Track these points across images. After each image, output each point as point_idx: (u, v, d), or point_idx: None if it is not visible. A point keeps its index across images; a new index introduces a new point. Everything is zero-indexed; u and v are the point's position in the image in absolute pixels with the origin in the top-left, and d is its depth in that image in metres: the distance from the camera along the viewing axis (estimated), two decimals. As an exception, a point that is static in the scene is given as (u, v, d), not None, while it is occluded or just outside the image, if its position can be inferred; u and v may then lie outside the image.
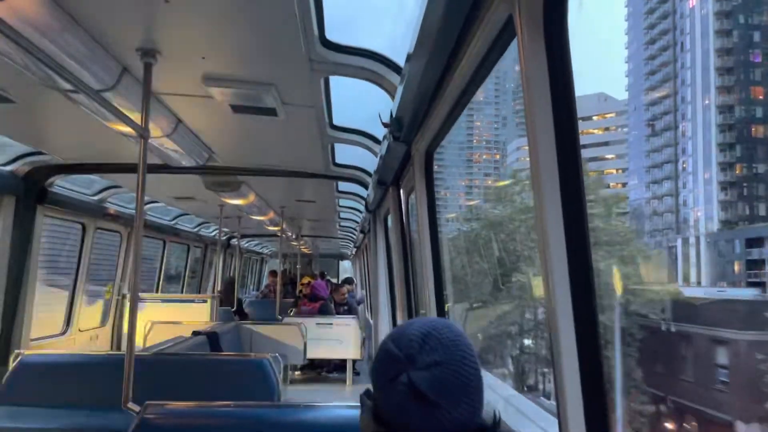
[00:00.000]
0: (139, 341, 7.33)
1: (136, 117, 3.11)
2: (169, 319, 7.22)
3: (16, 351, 4.15)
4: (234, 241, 12.66)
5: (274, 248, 17.55)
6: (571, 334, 1.23)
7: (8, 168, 5.17)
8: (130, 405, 2.74)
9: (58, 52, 2.52)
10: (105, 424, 3.38)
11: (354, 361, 8.92)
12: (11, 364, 4.15)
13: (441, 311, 3.06)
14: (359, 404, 1.19)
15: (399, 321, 5.71)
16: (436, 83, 2.09)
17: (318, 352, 8.39)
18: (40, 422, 3.48)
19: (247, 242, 14.72)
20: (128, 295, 7.78)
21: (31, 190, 5.38)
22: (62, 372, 3.93)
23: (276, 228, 9.87)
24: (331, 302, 9.86)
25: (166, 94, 3.39)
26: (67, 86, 2.84)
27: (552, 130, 1.20)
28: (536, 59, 1.18)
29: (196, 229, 10.85)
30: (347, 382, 8.71)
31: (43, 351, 5.20)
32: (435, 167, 3.12)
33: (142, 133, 2.88)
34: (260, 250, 18.36)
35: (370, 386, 1.30)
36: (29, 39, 2.25)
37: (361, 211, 8.21)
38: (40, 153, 5.19)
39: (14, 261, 5.36)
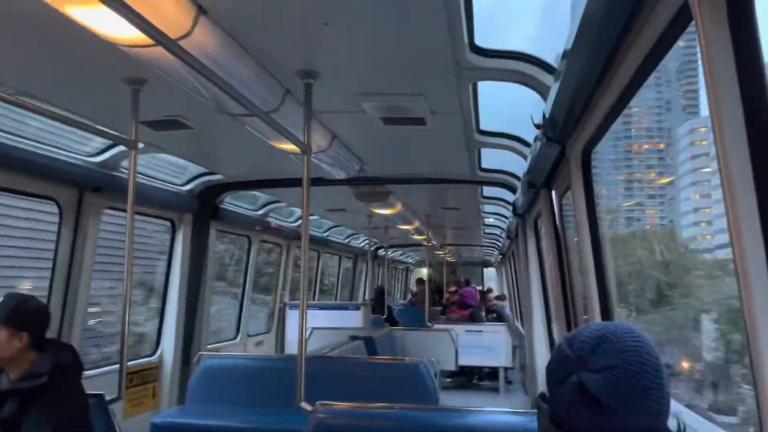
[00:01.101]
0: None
1: (296, 135, 3.34)
2: (326, 325, 7.61)
3: (199, 353, 4.59)
4: (381, 252, 13.03)
5: (418, 257, 17.81)
6: None
7: (186, 188, 5.77)
8: (303, 404, 2.92)
9: (229, 79, 2.78)
10: (281, 422, 3.63)
11: (505, 369, 8.80)
12: (194, 366, 4.61)
13: (606, 318, 2.93)
14: (522, 410, 1.17)
15: (555, 329, 5.53)
16: (596, 79, 2.02)
17: (468, 359, 8.38)
18: (224, 419, 3.82)
19: (393, 252, 15.09)
20: (289, 303, 8.32)
21: (206, 208, 5.96)
22: (239, 372, 4.29)
23: (421, 237, 10.03)
24: (481, 310, 9.80)
25: (322, 112, 3.60)
26: (239, 110, 3.12)
27: (743, 124, 1.11)
28: (720, 47, 1.10)
29: (346, 241, 11.34)
30: (499, 391, 8.60)
31: (222, 354, 5.72)
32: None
33: (305, 149, 3.08)
34: (405, 260, 18.72)
35: (545, 390, 1.28)
36: (207, 68, 2.51)
37: (506, 216, 8.09)
38: (211, 173, 5.75)
39: (193, 273, 5.96)
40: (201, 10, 2.28)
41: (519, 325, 9.57)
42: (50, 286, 4.24)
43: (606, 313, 3.01)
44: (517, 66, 2.80)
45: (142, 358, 5.60)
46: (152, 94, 3.24)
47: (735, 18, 1.11)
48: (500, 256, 14.45)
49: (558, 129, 2.62)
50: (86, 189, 4.35)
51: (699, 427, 2.14)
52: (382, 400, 3.79)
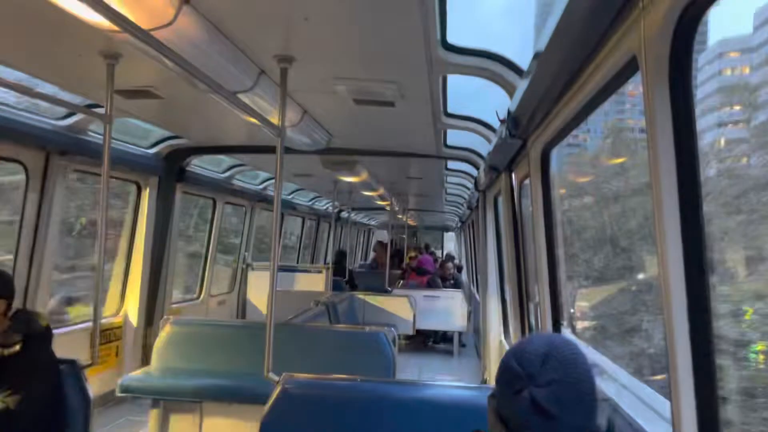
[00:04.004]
0: (263, 308, 8.01)
1: (270, 109, 3.42)
2: (288, 288, 7.78)
3: (165, 317, 4.70)
4: (344, 214, 13.16)
5: (381, 220, 18.02)
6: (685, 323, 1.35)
7: (153, 151, 5.76)
8: (271, 375, 3.08)
9: (206, 61, 2.83)
10: (247, 388, 3.81)
11: (460, 333, 9.16)
12: (159, 328, 4.72)
13: (555, 299, 3.17)
14: (475, 385, 1.35)
15: (507, 297, 5.83)
16: (559, 88, 2.16)
17: (425, 323, 8.69)
18: (192, 382, 3.98)
19: (356, 214, 15.24)
20: (252, 264, 8.43)
21: (172, 170, 5.97)
22: (205, 337, 4.43)
23: (384, 202, 10.19)
24: (437, 276, 10.10)
25: (296, 91, 3.67)
26: (209, 88, 3.17)
27: (674, 171, 1.30)
28: (660, 99, 1.26)
29: (310, 203, 11.41)
30: (454, 353, 8.97)
31: (187, 317, 5.83)
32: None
33: (279, 133, 3.15)
34: (368, 222, 18.91)
35: (494, 388, 1.47)
36: (181, 56, 2.52)
37: (468, 188, 8.30)
38: (177, 136, 5.74)
39: (158, 234, 6.00)
40: (183, 0, 2.33)
41: (475, 291, 9.91)
42: (16, 251, 4.26)
43: (554, 296, 3.25)
44: (485, 63, 2.93)
45: (106, 317, 5.67)
46: (126, 67, 3.26)
47: (675, 78, 1.27)
48: (460, 224, 14.76)
49: (520, 127, 2.78)
50: (53, 152, 4.34)
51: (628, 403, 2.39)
52: (343, 367, 3.99)
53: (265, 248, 10.05)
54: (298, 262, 12.01)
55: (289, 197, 10.20)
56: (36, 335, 2.83)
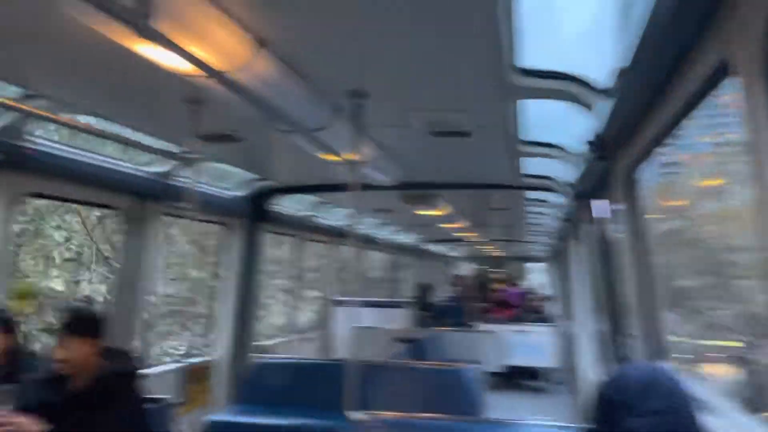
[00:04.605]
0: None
1: (346, 146, 3.45)
2: (371, 323, 7.76)
3: (253, 356, 4.78)
4: (427, 247, 13.09)
5: (464, 251, 17.80)
6: None
7: (239, 193, 5.98)
8: (352, 414, 3.02)
9: (282, 101, 2.90)
10: (330, 426, 3.77)
11: (552, 369, 8.76)
12: (247, 367, 4.80)
13: (651, 331, 2.95)
14: (571, 425, 1.26)
15: (602, 333, 5.52)
16: (645, 104, 2.04)
17: (514, 359, 8.38)
18: (276, 420, 3.99)
19: (439, 247, 15.13)
20: (335, 300, 8.49)
21: (258, 211, 6.15)
22: (290, 375, 4.45)
23: (466, 234, 10.05)
24: (524, 310, 9.78)
25: (371, 126, 3.70)
26: (286, 128, 3.25)
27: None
28: (760, 102, 1.14)
29: (392, 237, 11.44)
30: (546, 391, 8.58)
31: (274, 355, 5.92)
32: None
33: (355, 169, 3.17)
34: (451, 254, 18.73)
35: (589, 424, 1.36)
36: (259, 95, 2.59)
37: (550, 215, 8.05)
38: (261, 179, 5.93)
39: (246, 274, 6.16)
40: (260, 43, 2.40)
41: (566, 324, 9.50)
42: (119, 291, 4.47)
43: (650, 319, 3.02)
44: (561, 85, 2.83)
45: (197, 357, 5.84)
46: (207, 111, 3.39)
47: None
48: (549, 255, 14.33)
49: (605, 150, 2.64)
50: (147, 198, 4.57)
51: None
52: (428, 406, 3.87)
53: (350, 284, 10.10)
54: (382, 297, 12.01)
55: (371, 232, 10.26)
56: (124, 373, 2.89)
